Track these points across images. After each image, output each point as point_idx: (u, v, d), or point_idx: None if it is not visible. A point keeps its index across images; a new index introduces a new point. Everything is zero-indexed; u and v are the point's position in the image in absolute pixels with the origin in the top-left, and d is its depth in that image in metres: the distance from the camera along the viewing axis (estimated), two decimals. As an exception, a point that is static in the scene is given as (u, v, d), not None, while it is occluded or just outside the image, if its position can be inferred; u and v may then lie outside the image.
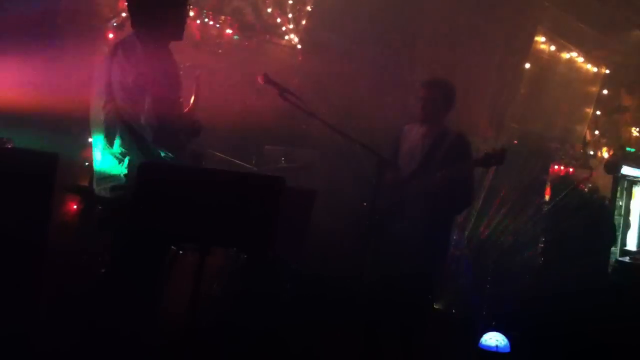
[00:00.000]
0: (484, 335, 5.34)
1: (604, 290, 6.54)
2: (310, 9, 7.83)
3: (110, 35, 6.24)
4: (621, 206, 10.06)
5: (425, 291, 5.07)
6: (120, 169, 3.65)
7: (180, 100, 3.92)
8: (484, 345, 5.26)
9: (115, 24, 6.30)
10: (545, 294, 6.45)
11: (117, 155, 3.66)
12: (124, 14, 6.34)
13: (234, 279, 4.99)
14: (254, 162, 5.95)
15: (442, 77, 5.07)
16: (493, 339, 5.26)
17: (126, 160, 3.64)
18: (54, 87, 5.63)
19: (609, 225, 8.22)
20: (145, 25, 3.76)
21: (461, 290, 6.94)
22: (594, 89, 12.08)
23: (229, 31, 7.36)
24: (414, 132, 5.08)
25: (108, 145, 3.68)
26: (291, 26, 7.79)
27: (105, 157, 3.70)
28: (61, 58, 5.91)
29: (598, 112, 12.07)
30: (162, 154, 3.62)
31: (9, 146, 4.60)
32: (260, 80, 4.03)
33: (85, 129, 3.90)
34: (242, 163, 5.77)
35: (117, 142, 3.65)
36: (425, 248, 4.78)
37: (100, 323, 3.65)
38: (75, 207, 4.98)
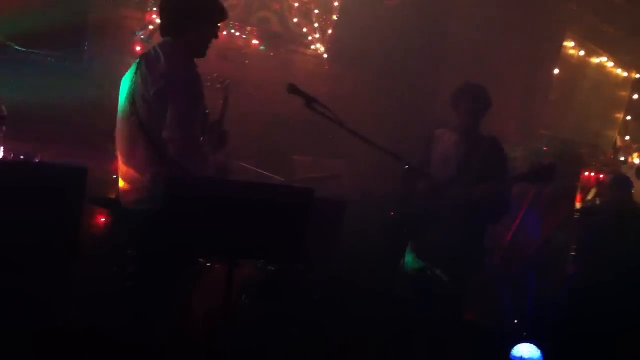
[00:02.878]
0: (516, 347, 5.25)
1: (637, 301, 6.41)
2: (336, 19, 7.82)
3: (138, 48, 6.28)
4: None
5: (458, 301, 5.01)
6: (142, 182, 3.64)
7: (206, 112, 3.90)
8: (516, 357, 5.18)
9: (142, 37, 6.33)
10: (579, 303, 6.33)
11: (140, 168, 3.65)
12: (151, 27, 6.39)
13: (262, 290, 4.97)
14: (282, 173, 5.93)
15: (479, 85, 4.97)
16: (526, 350, 5.18)
17: (149, 173, 3.62)
18: (82, 100, 5.68)
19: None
20: (176, 35, 3.75)
21: (492, 299, 6.85)
22: (624, 93, 11.95)
23: (255, 42, 7.38)
24: (447, 138, 5.02)
25: (131, 158, 3.68)
26: (317, 36, 7.78)
27: (129, 170, 3.70)
28: (89, 70, 5.96)
29: (629, 118, 11.92)
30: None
31: (37, 160, 4.63)
32: (287, 90, 4.00)
33: (112, 141, 3.90)
34: (270, 174, 5.75)
35: (140, 155, 3.64)
36: (461, 256, 4.73)
37: (127, 336, 3.63)
38: (103, 220, 4.99)
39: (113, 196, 4.29)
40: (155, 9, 6.50)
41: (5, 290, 3.60)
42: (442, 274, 4.77)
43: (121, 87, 3.80)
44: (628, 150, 11.71)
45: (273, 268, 4.83)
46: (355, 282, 5.47)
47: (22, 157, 4.69)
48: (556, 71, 9.86)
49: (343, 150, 6.29)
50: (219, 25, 3.88)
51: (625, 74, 11.75)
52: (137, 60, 3.80)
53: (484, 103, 4.89)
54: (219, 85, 4.86)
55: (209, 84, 4.27)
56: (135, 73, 3.70)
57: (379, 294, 4.98)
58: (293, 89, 3.97)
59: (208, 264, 4.32)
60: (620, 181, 8.06)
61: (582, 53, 10.60)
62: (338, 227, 4.49)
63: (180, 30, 3.73)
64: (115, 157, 3.85)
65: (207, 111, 3.97)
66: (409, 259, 4.96)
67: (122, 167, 3.75)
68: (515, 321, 6.35)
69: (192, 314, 3.94)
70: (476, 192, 4.67)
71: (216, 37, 3.86)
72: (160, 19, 3.88)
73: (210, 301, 3.82)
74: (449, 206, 4.74)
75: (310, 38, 7.80)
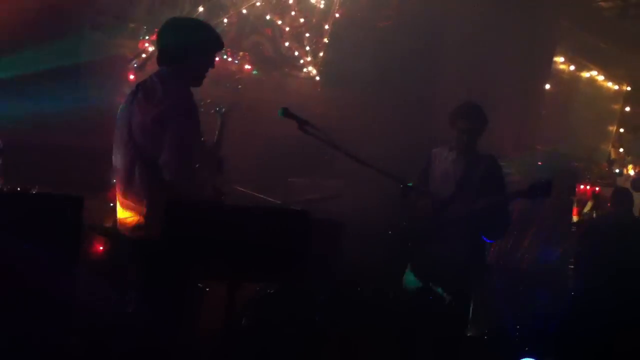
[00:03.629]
0: (518, 361, 5.25)
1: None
2: (327, 41, 7.88)
3: (131, 77, 6.31)
4: (648, 224, 9.91)
5: (460, 318, 5.02)
6: (140, 209, 3.66)
7: (202, 139, 3.93)
8: (519, 372, 5.17)
9: (135, 65, 6.37)
10: (579, 316, 6.33)
11: (138, 195, 3.67)
12: (144, 55, 6.43)
13: (263, 311, 4.97)
14: (279, 195, 5.94)
15: (476, 104, 5.02)
16: (528, 365, 5.17)
17: (146, 199, 3.64)
18: (77, 130, 5.70)
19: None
20: (172, 63, 3.78)
21: (493, 314, 6.85)
22: (616, 106, 12.04)
23: (248, 66, 7.42)
24: (445, 157, 5.06)
25: (129, 185, 3.70)
26: (309, 59, 7.84)
27: (126, 197, 3.72)
28: (84, 100, 5.99)
29: (622, 130, 11.99)
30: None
31: (34, 191, 4.64)
32: (280, 114, 4.03)
33: (109, 169, 3.92)
34: (267, 197, 5.77)
35: (138, 181, 3.67)
36: (462, 273, 4.75)
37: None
38: (101, 248, 4.99)
39: (110, 224, 4.30)
40: (147, 37, 6.55)
41: (7, 321, 3.59)
42: (443, 292, 4.78)
43: (118, 116, 3.83)
44: (622, 162, 11.76)
45: (273, 290, 4.83)
46: (356, 301, 5.46)
47: (18, 188, 4.71)
48: (547, 86, 9.93)
49: (339, 171, 6.32)
50: (215, 54, 3.92)
51: (616, 87, 11.84)
52: (134, 89, 3.83)
53: (481, 121, 4.94)
54: (212, 111, 4.90)
55: (202, 109, 4.31)
56: (132, 101, 3.74)
57: (380, 312, 4.97)
58: (286, 113, 4.00)
59: (207, 289, 4.32)
60: (620, 194, 8.08)
61: (572, 68, 10.69)
62: (337, 248, 4.50)
63: (177, 59, 3.77)
64: (113, 186, 3.87)
65: (202, 138, 4.00)
66: (409, 277, 4.98)
67: (119, 194, 3.77)
68: (517, 335, 6.34)
69: (193, 337, 3.93)
70: (476, 209, 4.71)
71: (212, 66, 3.90)
72: (157, 48, 3.92)
73: (211, 324, 3.82)
74: (449, 224, 4.77)
75: (302, 61, 7.85)
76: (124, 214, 3.74)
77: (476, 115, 4.95)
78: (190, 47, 3.77)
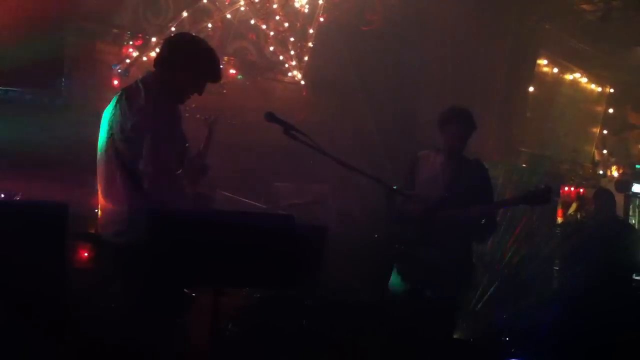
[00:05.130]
0: (506, 363, 5.27)
1: (625, 313, 6.44)
2: (312, 45, 7.88)
3: (115, 82, 6.28)
4: (633, 224, 9.98)
5: (447, 320, 5.03)
6: (121, 215, 3.65)
7: (186, 145, 3.93)
8: (506, 374, 5.19)
9: (119, 71, 6.34)
10: (566, 317, 6.37)
11: (118, 200, 3.66)
12: (128, 60, 6.40)
13: (249, 317, 4.96)
14: (263, 200, 5.94)
15: (465, 108, 5.03)
16: (515, 367, 5.19)
17: (127, 205, 3.63)
18: (61, 135, 5.67)
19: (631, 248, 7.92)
20: (165, 72, 3.78)
21: (480, 317, 6.88)
22: (600, 108, 12.10)
23: (232, 71, 7.41)
24: (432, 160, 5.07)
25: (110, 191, 3.69)
26: (294, 63, 7.83)
27: (108, 203, 3.71)
28: (67, 105, 5.95)
29: (605, 132, 12.06)
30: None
31: (18, 198, 4.61)
32: (265, 118, 4.03)
33: (92, 175, 3.90)
34: (251, 202, 5.76)
35: (118, 187, 3.66)
36: (450, 276, 4.76)
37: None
38: (86, 254, 4.97)
39: (94, 230, 4.28)
40: (131, 42, 6.52)
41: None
42: (431, 295, 4.79)
43: (102, 120, 3.82)
44: (606, 164, 11.85)
45: (259, 295, 4.83)
46: (342, 305, 5.46)
47: (2, 195, 4.68)
48: (531, 89, 9.97)
49: (325, 175, 6.32)
50: (206, 83, 3.91)
51: (600, 89, 11.90)
52: (119, 93, 3.82)
53: (469, 126, 4.97)
54: (198, 116, 4.89)
55: (187, 114, 4.30)
56: (115, 106, 3.74)
57: (366, 316, 4.97)
58: (271, 117, 4.00)
59: (193, 294, 4.30)
60: (602, 194, 8.14)
61: (555, 70, 10.74)
62: (320, 253, 4.49)
63: (171, 70, 3.77)
64: (96, 192, 3.85)
65: (187, 144, 4.00)
66: (396, 280, 4.98)
67: (101, 199, 3.76)
68: (504, 337, 6.36)
69: (179, 344, 3.92)
70: (467, 214, 4.73)
71: (199, 93, 3.90)
72: (161, 50, 3.92)
73: (196, 331, 3.80)
74: (438, 227, 4.78)
75: (287, 65, 7.84)
76: (105, 219, 3.73)
77: (465, 120, 4.97)
78: (186, 65, 3.78)
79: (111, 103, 3.82)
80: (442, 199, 4.87)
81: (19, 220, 3.69)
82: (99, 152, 3.80)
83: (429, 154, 5.12)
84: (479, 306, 7.09)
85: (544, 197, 4.74)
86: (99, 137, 3.80)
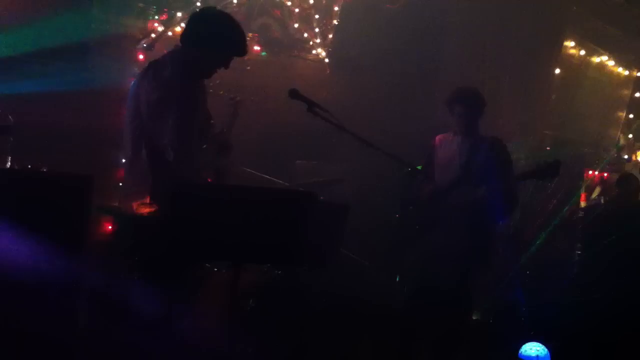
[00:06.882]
0: (524, 346, 5.27)
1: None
2: (336, 23, 7.85)
3: (141, 57, 6.31)
4: (656, 211, 9.85)
5: (465, 302, 5.03)
6: (144, 187, 3.68)
7: (210, 121, 3.95)
8: (524, 356, 5.20)
9: (145, 45, 6.37)
10: (585, 301, 6.34)
11: (143, 173, 3.69)
12: (153, 35, 6.43)
13: (269, 294, 5.00)
14: (285, 178, 5.96)
15: (472, 88, 5.04)
16: (533, 349, 5.21)
17: (151, 178, 3.67)
18: (86, 109, 5.73)
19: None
20: (191, 47, 3.79)
21: (499, 299, 6.87)
22: (626, 92, 11.93)
23: (256, 48, 7.40)
24: (448, 143, 5.07)
25: (135, 163, 3.73)
26: (318, 40, 7.81)
27: (132, 175, 3.75)
28: (94, 81, 6.00)
29: (631, 116, 11.90)
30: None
31: (44, 169, 4.66)
32: (288, 95, 4.04)
33: (117, 149, 3.94)
34: (274, 179, 5.78)
35: (143, 160, 3.69)
36: (467, 257, 4.76)
37: (134, 342, 3.66)
38: (110, 227, 5.02)
39: (117, 203, 4.33)
40: (156, 17, 6.55)
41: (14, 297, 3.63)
42: (448, 275, 4.80)
43: (129, 93, 3.85)
44: (631, 149, 11.70)
45: (280, 272, 4.86)
46: (360, 285, 5.50)
47: (29, 166, 4.74)
48: (557, 71, 9.86)
49: (345, 155, 6.32)
50: (231, 57, 3.92)
51: (627, 72, 11.73)
52: (145, 67, 3.85)
53: (477, 105, 4.95)
54: (221, 92, 4.91)
55: (211, 90, 4.32)
56: (142, 79, 3.76)
57: (383, 296, 4.99)
58: (295, 94, 4.01)
59: (215, 269, 4.34)
60: (626, 179, 8.06)
61: (582, 52, 10.60)
62: (341, 231, 4.51)
63: (197, 45, 3.78)
64: (121, 165, 3.90)
65: (211, 120, 4.02)
66: (414, 260, 4.99)
67: (126, 172, 3.80)
68: (522, 320, 6.36)
69: (198, 317, 3.97)
70: (481, 191, 4.72)
71: (226, 67, 3.91)
72: (187, 25, 3.94)
73: (217, 305, 3.85)
74: (454, 207, 4.78)
75: (311, 43, 7.83)
76: (130, 192, 3.77)
77: (471, 98, 4.96)
78: (212, 40, 3.78)
79: (137, 77, 3.85)
80: (458, 179, 4.86)
81: (44, 191, 3.76)
82: (124, 126, 3.83)
83: (446, 136, 5.13)
84: (498, 288, 7.07)
85: (553, 170, 4.71)
86: (125, 111, 3.84)
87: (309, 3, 7.63)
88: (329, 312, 5.12)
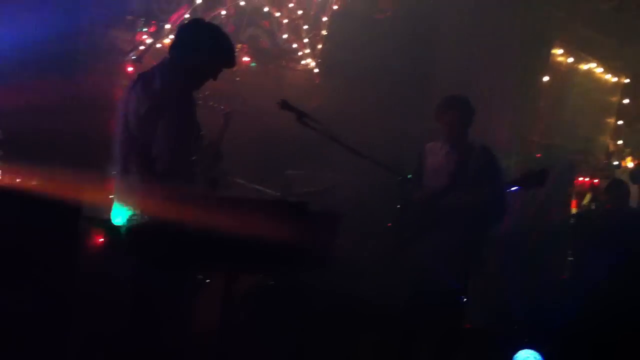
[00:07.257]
0: (518, 353, 5.27)
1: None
2: (325, 33, 7.86)
3: (130, 69, 6.30)
4: (647, 216, 9.87)
5: (457, 309, 5.04)
6: (135, 199, 3.67)
7: (200, 132, 3.95)
8: (517, 363, 5.19)
9: (133, 57, 6.35)
10: (578, 308, 6.35)
11: (133, 184, 3.69)
12: (141, 47, 6.41)
13: (261, 304, 4.98)
14: (276, 188, 5.95)
15: (460, 96, 5.06)
16: (527, 356, 5.19)
17: (141, 190, 3.66)
18: (76, 121, 5.70)
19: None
20: (179, 57, 3.79)
21: (492, 306, 6.87)
22: (615, 98, 11.99)
23: (245, 58, 7.40)
24: (438, 150, 5.09)
25: (125, 174, 3.72)
26: (307, 51, 7.82)
27: (122, 186, 3.74)
28: (83, 94, 5.97)
29: (620, 122, 11.96)
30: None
31: (34, 183, 4.63)
32: (278, 106, 4.04)
33: (108, 161, 3.93)
34: (265, 189, 5.77)
35: (133, 171, 3.69)
36: (457, 265, 4.77)
37: (128, 354, 3.65)
38: (101, 240, 5.00)
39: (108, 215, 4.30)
40: (145, 29, 6.53)
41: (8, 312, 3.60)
42: (441, 282, 4.80)
43: (119, 107, 3.85)
44: (621, 155, 11.75)
45: (272, 282, 4.85)
46: (353, 292, 5.48)
47: (18, 180, 4.70)
48: (545, 78, 9.91)
49: (337, 163, 6.32)
50: (221, 69, 3.92)
51: (615, 79, 11.80)
52: (135, 79, 3.85)
53: (465, 113, 4.98)
54: (211, 103, 4.91)
55: (200, 101, 4.32)
56: (131, 91, 3.77)
57: (377, 303, 4.98)
58: (285, 105, 4.02)
59: (207, 280, 4.33)
60: (615, 185, 8.09)
61: (570, 60, 10.66)
62: (333, 239, 4.50)
63: (186, 56, 3.78)
64: (112, 177, 3.88)
65: (200, 131, 4.03)
66: (406, 268, 4.99)
67: (116, 183, 3.79)
68: (515, 327, 6.36)
69: (190, 329, 3.95)
70: (469, 198, 4.73)
71: (214, 78, 3.91)
72: (175, 36, 3.94)
73: (209, 316, 3.83)
74: (444, 215, 4.79)
75: (300, 53, 7.84)
76: (120, 204, 3.76)
77: (460, 106, 4.98)
78: (201, 51, 3.78)
79: (126, 89, 3.85)
80: (447, 187, 4.88)
81: (34, 208, 3.73)
82: (114, 137, 3.82)
83: (435, 145, 5.16)
84: (491, 295, 7.07)
85: (539, 179, 4.73)
86: (115, 123, 3.83)
87: (297, 14, 7.64)
88: (329, 312, 5.11)
